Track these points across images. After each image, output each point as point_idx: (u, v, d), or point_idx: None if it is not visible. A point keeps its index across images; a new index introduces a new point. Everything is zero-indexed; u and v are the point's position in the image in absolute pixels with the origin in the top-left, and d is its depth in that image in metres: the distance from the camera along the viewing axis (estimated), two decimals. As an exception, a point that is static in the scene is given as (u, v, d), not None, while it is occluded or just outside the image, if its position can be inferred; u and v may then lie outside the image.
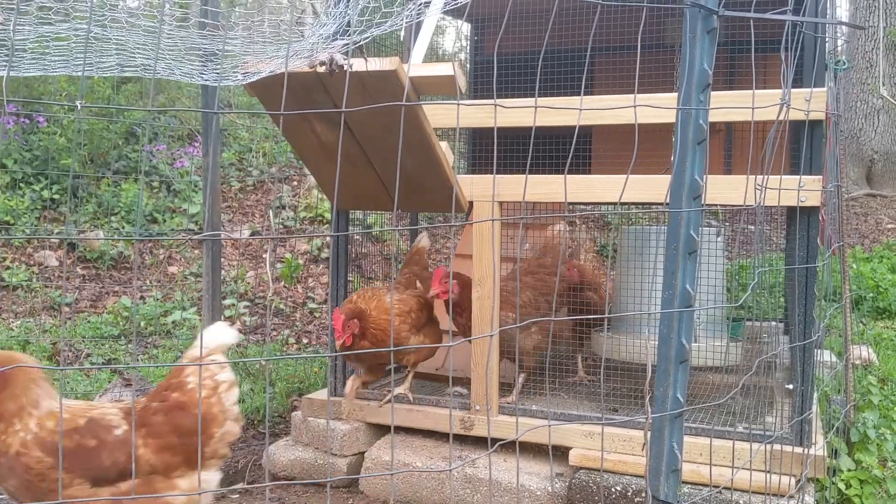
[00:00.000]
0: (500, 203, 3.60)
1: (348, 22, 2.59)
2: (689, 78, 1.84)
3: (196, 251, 6.96)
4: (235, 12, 6.30)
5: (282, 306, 6.64)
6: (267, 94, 3.06)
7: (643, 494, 3.17)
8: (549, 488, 3.36)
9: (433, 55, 10.42)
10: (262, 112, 6.46)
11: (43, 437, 2.26)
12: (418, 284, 3.93)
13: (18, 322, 5.69)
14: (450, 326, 3.86)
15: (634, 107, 1.85)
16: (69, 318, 5.88)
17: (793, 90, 2.56)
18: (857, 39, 10.88)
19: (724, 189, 3.20)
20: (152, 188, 7.52)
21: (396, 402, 3.80)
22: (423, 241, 4.22)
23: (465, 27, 6.83)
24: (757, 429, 3.33)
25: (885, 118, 11.15)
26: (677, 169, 1.86)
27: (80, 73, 3.28)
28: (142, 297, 6.35)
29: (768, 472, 2.62)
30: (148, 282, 6.58)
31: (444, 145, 3.17)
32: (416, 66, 3.07)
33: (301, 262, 7.25)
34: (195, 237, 6.60)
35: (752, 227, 5.32)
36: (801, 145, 3.18)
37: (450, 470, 3.54)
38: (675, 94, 1.93)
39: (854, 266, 7.33)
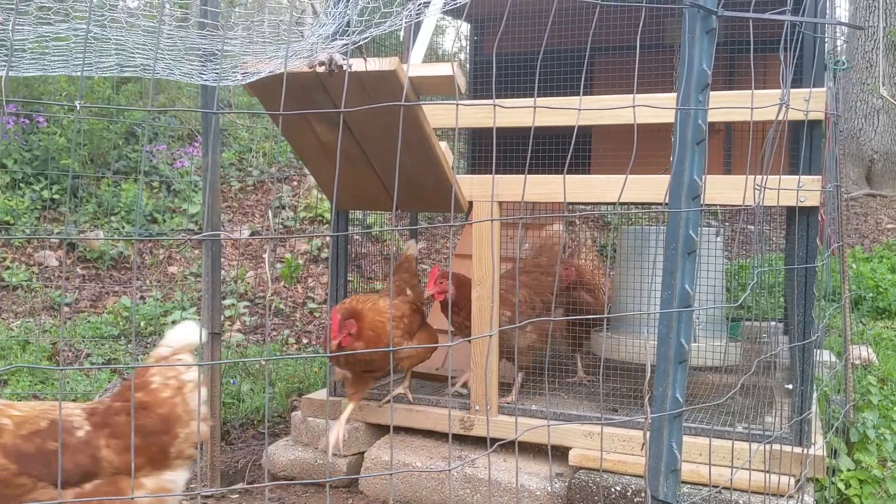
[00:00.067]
0: (500, 203, 3.61)
1: (348, 22, 2.58)
2: (688, 78, 1.84)
3: (196, 251, 6.96)
4: (235, 12, 6.30)
5: (282, 306, 6.64)
6: (266, 94, 3.06)
7: (643, 494, 3.17)
8: (549, 488, 3.36)
9: (433, 55, 10.42)
10: (261, 112, 6.45)
11: (3, 442, 2.19)
12: (408, 291, 3.91)
13: (18, 322, 5.69)
14: (449, 327, 3.86)
15: (633, 107, 1.85)
16: (69, 318, 5.88)
17: (792, 90, 2.57)
18: (856, 39, 10.87)
19: (724, 189, 3.20)
20: (152, 188, 7.52)
21: (396, 402, 3.81)
22: (412, 249, 4.15)
23: (465, 27, 6.82)
24: (756, 429, 3.33)
25: (885, 118, 11.14)
26: (676, 169, 1.86)
27: (79, 73, 3.28)
28: (142, 297, 6.35)
29: (768, 472, 2.62)
30: (148, 282, 6.58)
31: (443, 145, 3.17)
32: (416, 67, 3.08)
33: (301, 262, 7.25)
34: (195, 237, 6.60)
35: (752, 227, 5.32)
36: (801, 145, 3.18)
37: (449, 470, 3.54)
38: (674, 95, 1.93)
39: (854, 266, 7.33)
